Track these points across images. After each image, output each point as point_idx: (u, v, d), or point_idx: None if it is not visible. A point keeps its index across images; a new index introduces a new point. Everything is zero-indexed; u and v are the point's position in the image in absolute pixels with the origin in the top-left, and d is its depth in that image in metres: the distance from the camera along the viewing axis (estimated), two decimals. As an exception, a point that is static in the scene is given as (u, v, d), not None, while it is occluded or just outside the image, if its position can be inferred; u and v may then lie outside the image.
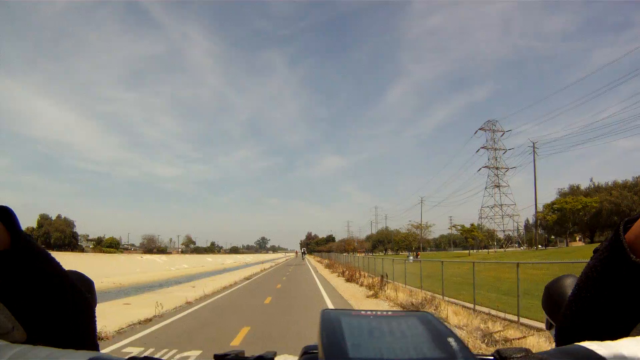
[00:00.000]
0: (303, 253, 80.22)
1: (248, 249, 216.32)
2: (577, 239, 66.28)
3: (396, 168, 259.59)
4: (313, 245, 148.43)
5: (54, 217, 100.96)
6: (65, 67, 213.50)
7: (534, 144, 63.43)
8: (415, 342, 0.36)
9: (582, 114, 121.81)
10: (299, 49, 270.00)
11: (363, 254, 59.83)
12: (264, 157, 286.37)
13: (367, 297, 13.86)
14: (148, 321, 9.07)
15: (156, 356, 0.54)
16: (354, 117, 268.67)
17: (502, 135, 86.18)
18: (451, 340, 0.36)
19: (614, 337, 0.48)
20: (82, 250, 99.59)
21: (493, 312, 9.60)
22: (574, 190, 63.55)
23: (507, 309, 9.33)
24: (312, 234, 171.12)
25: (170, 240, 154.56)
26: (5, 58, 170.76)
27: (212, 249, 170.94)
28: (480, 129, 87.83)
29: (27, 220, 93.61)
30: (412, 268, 18.38)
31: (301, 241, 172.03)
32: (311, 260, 64.16)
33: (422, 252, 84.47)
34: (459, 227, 72.03)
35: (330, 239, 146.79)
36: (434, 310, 9.83)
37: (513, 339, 6.57)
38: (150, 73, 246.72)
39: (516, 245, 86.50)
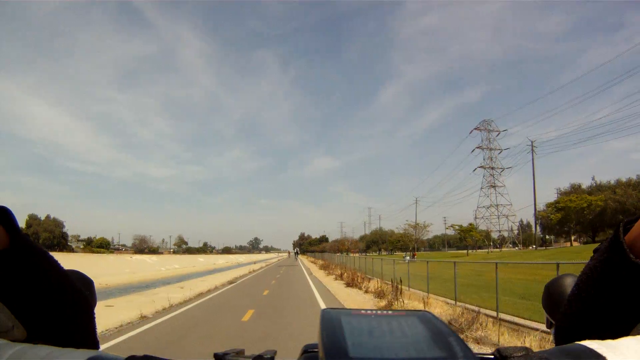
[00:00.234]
0: (296, 253, 79.56)
1: (241, 250, 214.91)
2: (573, 239, 65.71)
3: (390, 168, 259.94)
4: (306, 245, 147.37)
5: (42, 218, 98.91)
6: (56, 67, 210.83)
7: (532, 142, 63.01)
8: (416, 341, 0.36)
9: (575, 114, 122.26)
10: (292, 49, 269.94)
11: (357, 255, 58.86)
12: (256, 158, 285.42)
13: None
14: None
15: None
16: (346, 118, 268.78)
17: (497, 135, 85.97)
18: (452, 339, 0.36)
19: (614, 336, 0.48)
20: (71, 250, 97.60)
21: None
22: (576, 189, 62.53)
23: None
24: (305, 235, 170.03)
25: (163, 240, 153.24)
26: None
27: (205, 249, 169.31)
28: (475, 128, 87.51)
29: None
30: (417, 269, 16.97)
31: (294, 241, 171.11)
32: (304, 261, 62.70)
33: (417, 252, 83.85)
34: (457, 227, 71.33)
35: (323, 239, 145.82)
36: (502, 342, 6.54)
37: None
38: (142, 73, 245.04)
39: (510, 245, 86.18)
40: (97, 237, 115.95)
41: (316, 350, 0.51)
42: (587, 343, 0.46)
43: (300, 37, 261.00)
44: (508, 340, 6.53)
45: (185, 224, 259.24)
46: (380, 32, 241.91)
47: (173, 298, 13.14)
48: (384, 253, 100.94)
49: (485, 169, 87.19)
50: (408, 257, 36.04)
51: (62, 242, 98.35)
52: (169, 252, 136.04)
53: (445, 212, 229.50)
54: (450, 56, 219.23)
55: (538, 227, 66.31)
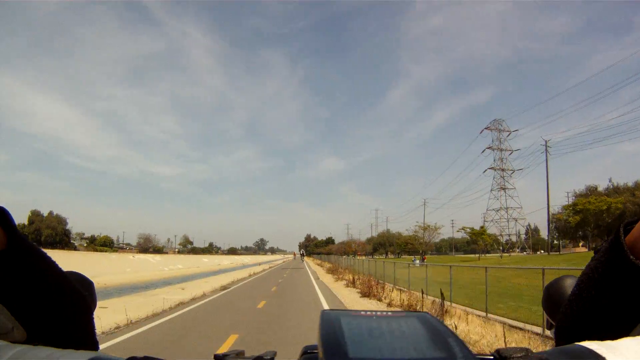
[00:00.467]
0: (302, 255, 78.22)
1: (246, 250, 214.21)
2: (582, 244, 63.48)
3: (397, 170, 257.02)
4: (312, 247, 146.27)
5: (45, 214, 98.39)
6: (62, 64, 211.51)
7: (546, 142, 60.95)
8: (415, 342, 0.36)
9: (584, 116, 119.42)
10: (299, 48, 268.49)
11: (364, 257, 57.22)
12: (263, 158, 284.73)
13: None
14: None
15: None
16: (354, 118, 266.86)
17: (508, 136, 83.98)
18: (451, 339, 0.36)
19: (614, 337, 0.48)
20: (74, 248, 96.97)
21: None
22: (592, 191, 60.44)
23: None
24: (312, 236, 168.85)
25: (168, 240, 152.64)
26: (2, 54, 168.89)
27: (210, 249, 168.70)
28: (486, 128, 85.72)
29: (18, 217, 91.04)
30: (432, 274, 14.80)
31: (300, 243, 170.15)
32: (310, 264, 61.10)
33: (425, 256, 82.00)
34: (468, 230, 69.44)
35: (329, 241, 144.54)
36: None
37: None
38: (149, 71, 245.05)
39: (517, 250, 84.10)
40: (101, 236, 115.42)
41: (316, 351, 0.51)
42: (587, 344, 0.46)
43: (307, 36, 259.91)
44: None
45: (190, 224, 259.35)
46: (388, 31, 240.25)
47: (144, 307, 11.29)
48: (390, 256, 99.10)
49: (495, 170, 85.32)
50: (418, 261, 34.61)
51: (65, 240, 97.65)
52: (174, 252, 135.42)
53: (453, 214, 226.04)
54: (459, 56, 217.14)
55: (552, 231, 64.11)
